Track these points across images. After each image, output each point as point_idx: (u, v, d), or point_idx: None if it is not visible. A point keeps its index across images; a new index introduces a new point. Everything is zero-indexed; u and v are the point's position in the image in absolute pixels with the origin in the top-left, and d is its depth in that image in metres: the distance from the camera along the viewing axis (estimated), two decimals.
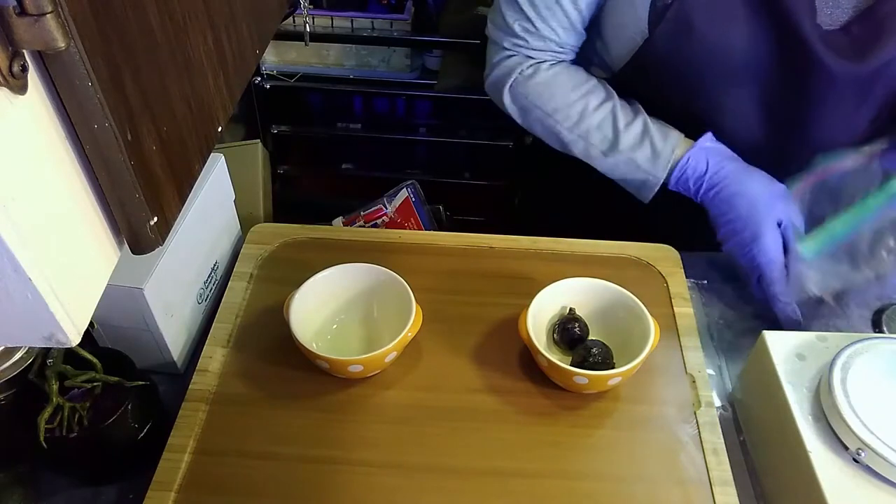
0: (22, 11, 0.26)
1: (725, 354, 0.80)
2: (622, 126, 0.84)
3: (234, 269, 0.84)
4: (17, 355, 0.62)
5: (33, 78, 0.29)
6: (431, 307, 0.76)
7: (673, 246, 0.88)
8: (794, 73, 0.77)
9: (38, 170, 0.31)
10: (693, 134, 0.84)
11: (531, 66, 0.86)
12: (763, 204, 0.78)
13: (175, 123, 0.39)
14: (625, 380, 0.69)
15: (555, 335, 0.75)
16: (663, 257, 0.87)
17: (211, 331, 0.77)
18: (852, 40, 0.74)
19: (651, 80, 0.83)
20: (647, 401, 0.72)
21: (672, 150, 0.82)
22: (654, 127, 0.84)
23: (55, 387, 0.62)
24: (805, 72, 0.76)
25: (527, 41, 0.85)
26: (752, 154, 0.83)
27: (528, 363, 0.74)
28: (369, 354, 0.68)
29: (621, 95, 0.87)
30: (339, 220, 1.46)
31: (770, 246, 0.77)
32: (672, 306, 0.81)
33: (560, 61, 0.87)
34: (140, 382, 0.65)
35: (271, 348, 0.75)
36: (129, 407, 0.64)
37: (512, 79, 0.87)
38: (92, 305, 0.35)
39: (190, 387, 0.72)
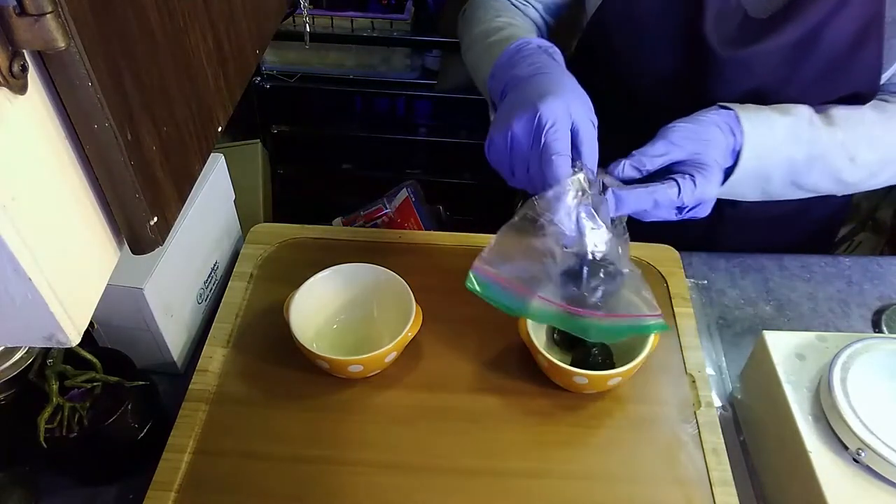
0: (22, 11, 0.26)
1: (725, 354, 0.81)
2: (493, 23, 0.81)
3: (234, 269, 0.84)
4: (17, 355, 0.62)
5: (33, 78, 0.29)
6: (431, 307, 0.76)
7: (673, 246, 0.88)
8: (692, 50, 0.78)
9: (38, 170, 0.31)
10: (638, 109, 0.84)
11: None
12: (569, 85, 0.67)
13: (175, 123, 0.39)
14: (625, 380, 0.69)
15: (555, 335, 0.75)
16: (663, 257, 0.87)
17: (211, 331, 0.77)
18: (762, 29, 0.75)
19: (607, 44, 0.84)
20: (647, 401, 0.72)
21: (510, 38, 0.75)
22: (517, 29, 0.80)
23: (55, 387, 0.62)
24: (695, 50, 0.77)
25: None
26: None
27: (528, 363, 0.74)
28: (369, 354, 0.68)
29: (583, 62, 0.87)
30: (339, 220, 1.46)
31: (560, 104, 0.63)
32: (672, 306, 0.81)
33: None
34: (140, 382, 0.65)
35: (271, 348, 0.75)
36: (129, 407, 0.64)
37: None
38: (92, 305, 0.35)
39: (190, 387, 0.72)
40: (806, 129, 0.72)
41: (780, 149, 0.71)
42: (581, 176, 0.62)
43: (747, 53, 0.75)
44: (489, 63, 0.74)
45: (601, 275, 0.67)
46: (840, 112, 0.74)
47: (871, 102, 0.77)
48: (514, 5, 0.89)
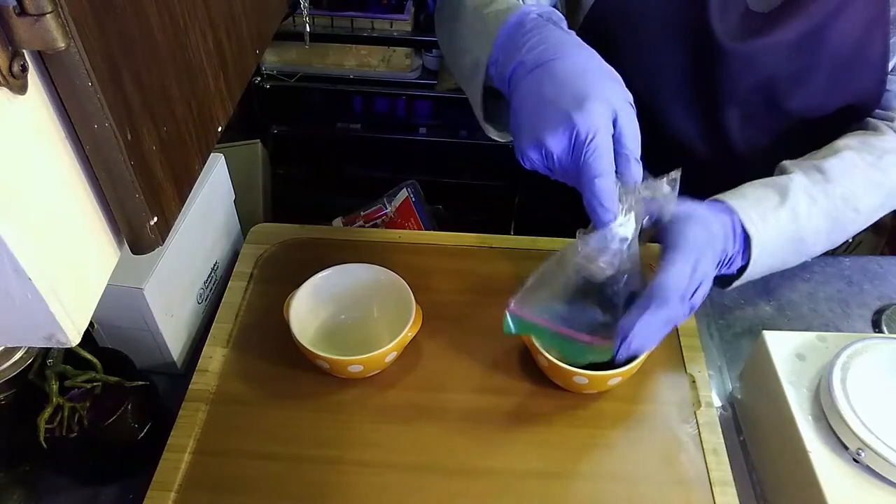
0: (22, 11, 0.26)
1: (725, 354, 0.80)
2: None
3: (234, 269, 0.84)
4: (17, 355, 0.62)
5: (33, 78, 0.29)
6: (431, 307, 0.76)
7: None
8: (696, 41, 0.77)
9: (38, 170, 0.31)
10: (642, 106, 0.84)
11: None
12: (599, 74, 0.58)
13: (175, 123, 0.39)
14: (625, 380, 0.69)
15: None
16: None
17: (211, 331, 0.77)
18: (765, 22, 0.75)
19: (606, 38, 0.81)
20: (647, 401, 0.72)
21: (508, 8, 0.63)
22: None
23: (55, 387, 0.62)
24: (701, 42, 0.76)
25: None
26: (677, 134, 0.84)
27: (528, 363, 0.74)
28: (369, 354, 0.68)
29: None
30: (339, 220, 1.46)
31: (601, 115, 0.54)
32: None
33: None
34: (140, 382, 0.65)
35: (271, 348, 0.75)
36: (129, 407, 0.64)
37: None
38: (92, 305, 0.35)
39: (190, 387, 0.72)
40: (805, 209, 0.69)
41: (782, 250, 0.69)
42: (627, 215, 0.59)
43: (751, 47, 0.75)
44: (488, 42, 0.62)
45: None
46: (832, 164, 0.72)
47: (857, 139, 0.76)
48: None
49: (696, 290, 0.63)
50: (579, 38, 0.60)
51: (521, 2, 0.66)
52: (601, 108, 0.54)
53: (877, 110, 0.79)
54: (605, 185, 0.54)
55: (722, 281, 0.71)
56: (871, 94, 0.78)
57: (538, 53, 0.58)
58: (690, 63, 0.80)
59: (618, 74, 0.58)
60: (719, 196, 0.69)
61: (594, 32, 0.84)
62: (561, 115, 0.54)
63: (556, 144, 0.54)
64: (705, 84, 0.80)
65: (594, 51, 0.59)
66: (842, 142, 0.76)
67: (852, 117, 0.80)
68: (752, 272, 0.68)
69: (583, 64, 0.57)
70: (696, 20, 0.76)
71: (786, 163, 0.75)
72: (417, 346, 0.75)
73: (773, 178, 0.72)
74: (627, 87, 0.84)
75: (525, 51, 0.59)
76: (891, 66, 0.76)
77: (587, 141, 0.53)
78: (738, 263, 0.68)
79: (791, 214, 0.69)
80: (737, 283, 0.70)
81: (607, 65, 0.58)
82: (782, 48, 0.75)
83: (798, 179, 0.71)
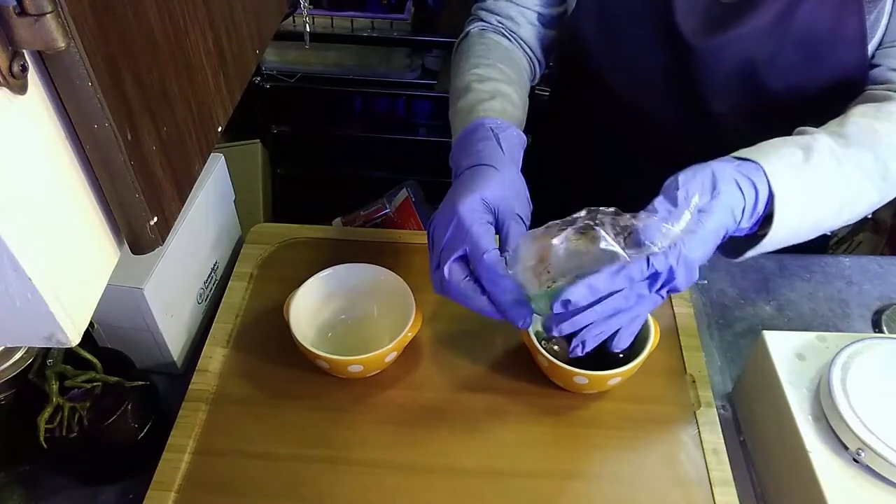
0: (22, 11, 0.26)
1: (725, 354, 0.81)
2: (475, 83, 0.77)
3: (234, 269, 0.84)
4: (17, 355, 0.62)
5: (33, 78, 0.29)
6: (431, 307, 0.76)
7: None
8: (666, 41, 0.78)
9: (38, 170, 0.31)
10: (627, 108, 0.85)
11: (477, 29, 0.87)
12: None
13: (175, 123, 0.39)
14: (625, 380, 0.69)
15: None
16: None
17: (211, 331, 0.77)
18: (736, 12, 0.75)
19: (585, 45, 0.84)
20: (647, 401, 0.72)
21: (474, 111, 0.73)
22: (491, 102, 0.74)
23: (55, 387, 0.62)
24: (671, 39, 0.78)
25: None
26: (665, 129, 0.85)
27: (528, 363, 0.74)
28: (369, 354, 0.68)
29: (568, 70, 0.86)
30: (338, 221, 1.46)
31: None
32: (672, 306, 0.81)
33: (500, 32, 0.86)
34: (140, 382, 0.65)
35: (271, 348, 0.75)
36: (129, 407, 0.64)
37: (459, 38, 0.88)
38: (92, 305, 0.35)
39: (190, 387, 0.72)
40: (829, 172, 0.64)
41: (806, 216, 0.64)
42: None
43: (721, 40, 0.76)
44: (454, 133, 0.73)
45: None
46: (852, 130, 0.68)
47: (871, 108, 0.72)
48: (505, 24, 0.86)
49: (664, 281, 0.57)
50: (511, 153, 0.67)
51: (487, 102, 0.74)
52: (474, 198, 0.61)
53: (875, 84, 0.76)
54: (492, 257, 0.59)
55: (734, 248, 0.66)
56: (853, 70, 0.77)
57: (465, 163, 0.67)
58: (665, 60, 0.81)
59: (521, 186, 0.65)
60: (750, 156, 0.63)
61: (574, 41, 0.86)
62: (449, 204, 0.63)
63: (448, 236, 0.62)
64: (683, 79, 0.81)
65: (513, 166, 0.66)
66: (857, 109, 0.72)
67: (840, 95, 0.78)
68: (772, 240, 0.63)
69: (487, 172, 0.64)
70: (663, 19, 0.77)
71: (803, 129, 0.70)
72: (417, 346, 0.75)
73: (797, 137, 0.67)
74: (613, 87, 0.85)
75: (460, 159, 0.68)
76: (874, 42, 0.75)
77: (465, 224, 0.60)
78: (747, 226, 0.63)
79: (815, 174, 0.63)
80: (751, 253, 0.65)
81: (513, 177, 0.65)
82: (754, 35, 0.75)
83: (822, 139, 0.66)
